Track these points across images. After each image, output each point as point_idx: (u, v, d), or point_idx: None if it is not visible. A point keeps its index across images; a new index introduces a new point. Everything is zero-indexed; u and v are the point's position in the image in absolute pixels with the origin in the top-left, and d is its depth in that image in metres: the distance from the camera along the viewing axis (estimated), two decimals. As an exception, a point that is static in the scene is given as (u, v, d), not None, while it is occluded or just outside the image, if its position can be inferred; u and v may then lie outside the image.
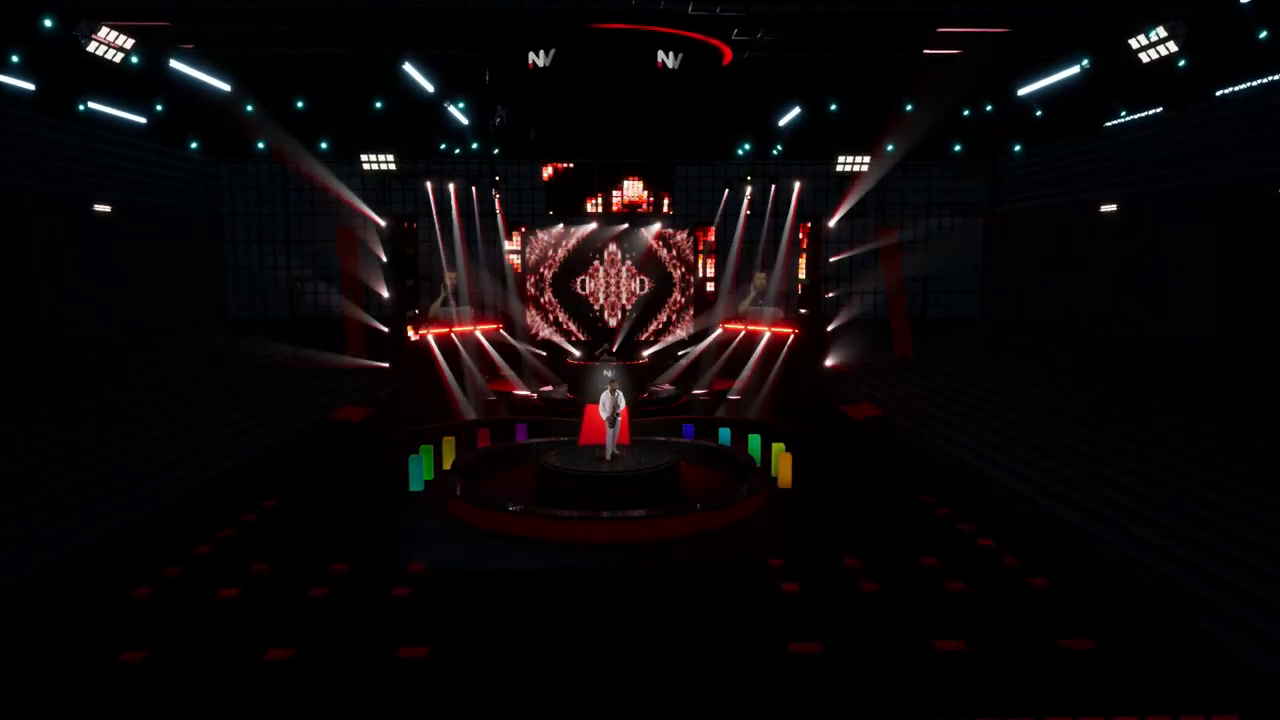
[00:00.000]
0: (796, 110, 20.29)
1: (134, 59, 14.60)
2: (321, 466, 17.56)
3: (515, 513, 13.74)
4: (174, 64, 15.98)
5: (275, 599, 10.53)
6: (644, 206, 24.62)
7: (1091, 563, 12.05)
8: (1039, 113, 19.57)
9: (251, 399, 19.99)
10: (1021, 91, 18.16)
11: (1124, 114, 20.09)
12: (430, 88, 17.80)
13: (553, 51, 12.62)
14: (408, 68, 16.43)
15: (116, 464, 14.24)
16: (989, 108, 19.65)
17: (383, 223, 25.71)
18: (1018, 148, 25.06)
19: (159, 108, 18.95)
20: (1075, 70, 16.20)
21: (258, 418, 19.05)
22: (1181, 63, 14.61)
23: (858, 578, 11.13)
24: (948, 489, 15.75)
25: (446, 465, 17.50)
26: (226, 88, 17.79)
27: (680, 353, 27.19)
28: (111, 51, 14.04)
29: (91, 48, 13.77)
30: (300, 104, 18.87)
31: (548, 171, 24.55)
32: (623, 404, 15.85)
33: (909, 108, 19.42)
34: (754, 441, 18.61)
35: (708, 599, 9.95)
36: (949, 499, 15.02)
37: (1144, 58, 14.45)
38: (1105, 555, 12.04)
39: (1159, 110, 20.09)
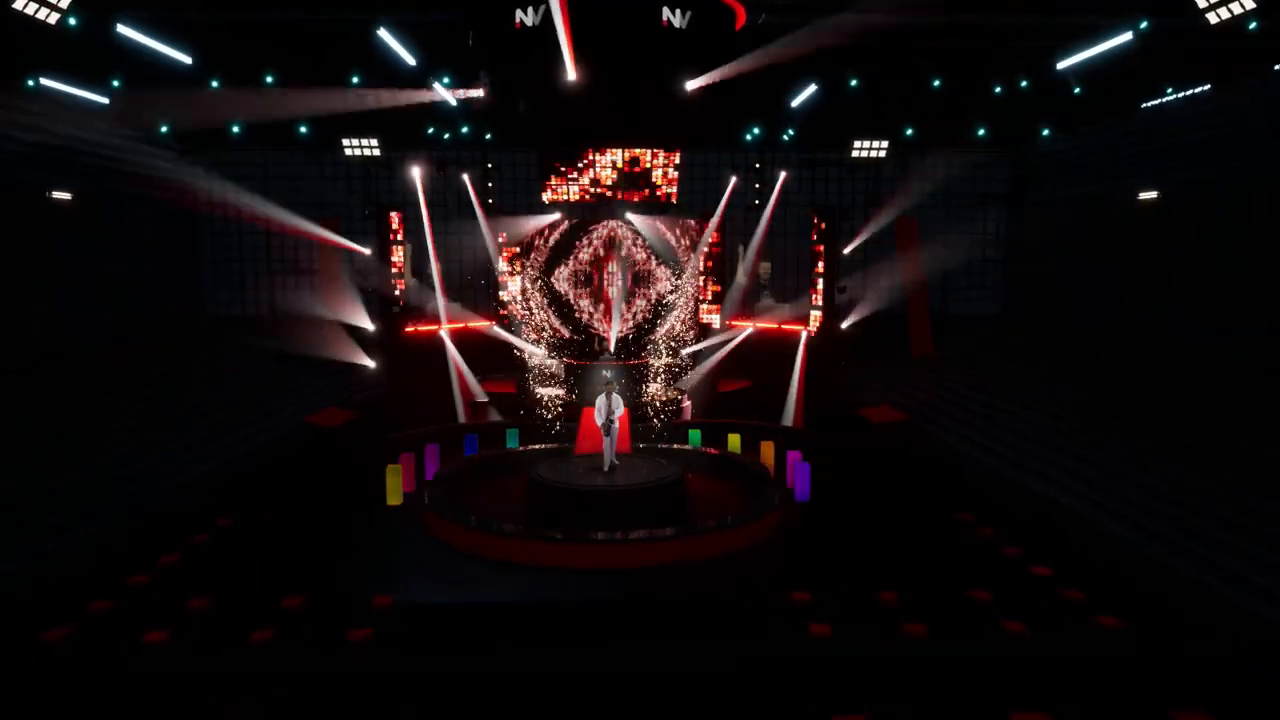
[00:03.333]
0: (812, 88, 18.61)
1: (72, 20, 12.95)
2: (291, 477, 15.91)
3: (498, 533, 12.09)
4: (124, 30, 14.31)
5: (211, 643, 8.92)
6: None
7: (1159, 590, 10.44)
8: (1077, 89, 17.88)
9: (224, 401, 18.38)
10: (1062, 64, 16.50)
11: (1170, 91, 18.42)
12: (411, 60, 16.18)
13: (542, 7, 10.99)
14: (384, 34, 14.80)
15: (60, 477, 12.60)
16: (1024, 83, 17.96)
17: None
18: (1045, 132, 23.39)
19: (115, 83, 17.28)
20: (1127, 37, 14.52)
21: (227, 423, 17.42)
22: (1252, 25, 12.95)
23: (898, 616, 9.50)
24: (986, 505, 14.11)
25: (429, 475, 15.87)
26: (188, 60, 16.17)
27: (684, 352, 25.52)
28: (44, 10, 12.40)
29: (19, 4, 12.12)
30: (270, 79, 17.21)
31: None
32: (621, 409, 14.20)
33: (936, 84, 17.74)
34: (766, 449, 16.99)
35: (726, 649, 8.32)
36: (989, 516, 13.38)
37: (1212, 18, 12.80)
38: (1174, 584, 10.42)
39: (1202, 89, 18.46)
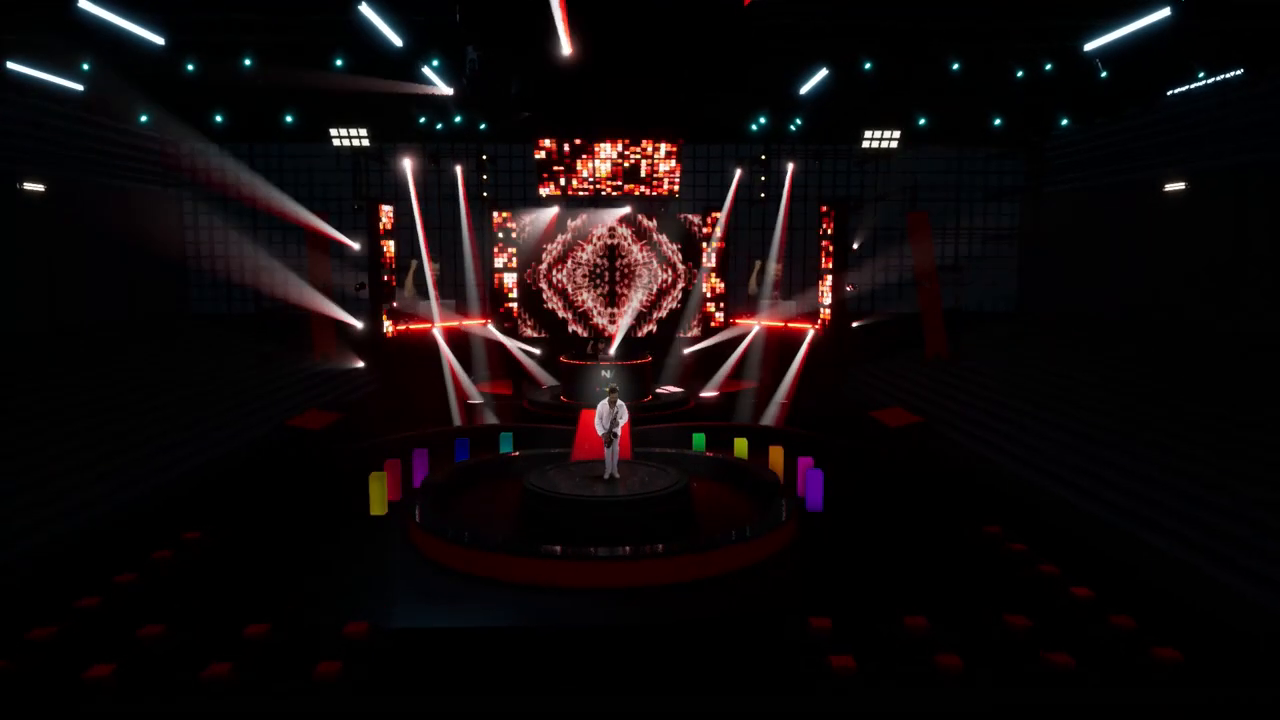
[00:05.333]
0: (824, 73, 17.58)
1: (25, -8, 12.00)
2: (266, 485, 14.91)
3: (488, 550, 11.10)
4: (85, 5, 13.30)
5: (158, 680, 7.96)
6: (646, 171, 21.78)
7: (1217, 612, 9.47)
8: (1104, 74, 16.87)
9: (199, 404, 17.40)
10: (1089, 45, 15.52)
11: (1201, 75, 17.44)
12: (398, 40, 15.19)
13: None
14: (365, 10, 13.81)
15: (9, 485, 11.65)
16: (1048, 66, 16.93)
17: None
18: (1064, 121, 22.41)
19: (85, 67, 16.29)
20: (1165, 13, 13.51)
21: (202, 426, 16.44)
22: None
23: (930, 646, 8.53)
24: (1014, 515, 13.13)
25: (417, 483, 14.88)
26: (160, 40, 15.19)
27: (686, 350, 24.59)
28: (-7, -19, 11.44)
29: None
30: (248, 61, 16.19)
31: (540, 154, 21.83)
32: (625, 417, 13.20)
33: (956, 67, 16.71)
34: (776, 454, 15.99)
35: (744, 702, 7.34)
36: (1019, 529, 12.39)
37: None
38: (1235, 607, 9.46)
39: (1234, 75, 17.49)
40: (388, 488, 14.16)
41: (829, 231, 23.53)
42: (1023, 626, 8.97)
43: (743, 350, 23.55)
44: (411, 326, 22.74)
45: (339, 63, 16.26)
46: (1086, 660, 8.20)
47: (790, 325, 23.38)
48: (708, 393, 22.43)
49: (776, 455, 15.92)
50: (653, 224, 23.90)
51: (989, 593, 10.14)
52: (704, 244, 24.41)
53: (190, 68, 16.27)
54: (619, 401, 13.09)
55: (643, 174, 21.80)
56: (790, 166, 23.50)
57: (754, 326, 23.93)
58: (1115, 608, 9.42)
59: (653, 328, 24.50)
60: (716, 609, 10.16)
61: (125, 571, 10.42)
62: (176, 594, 10.09)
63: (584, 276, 24.07)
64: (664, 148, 21.46)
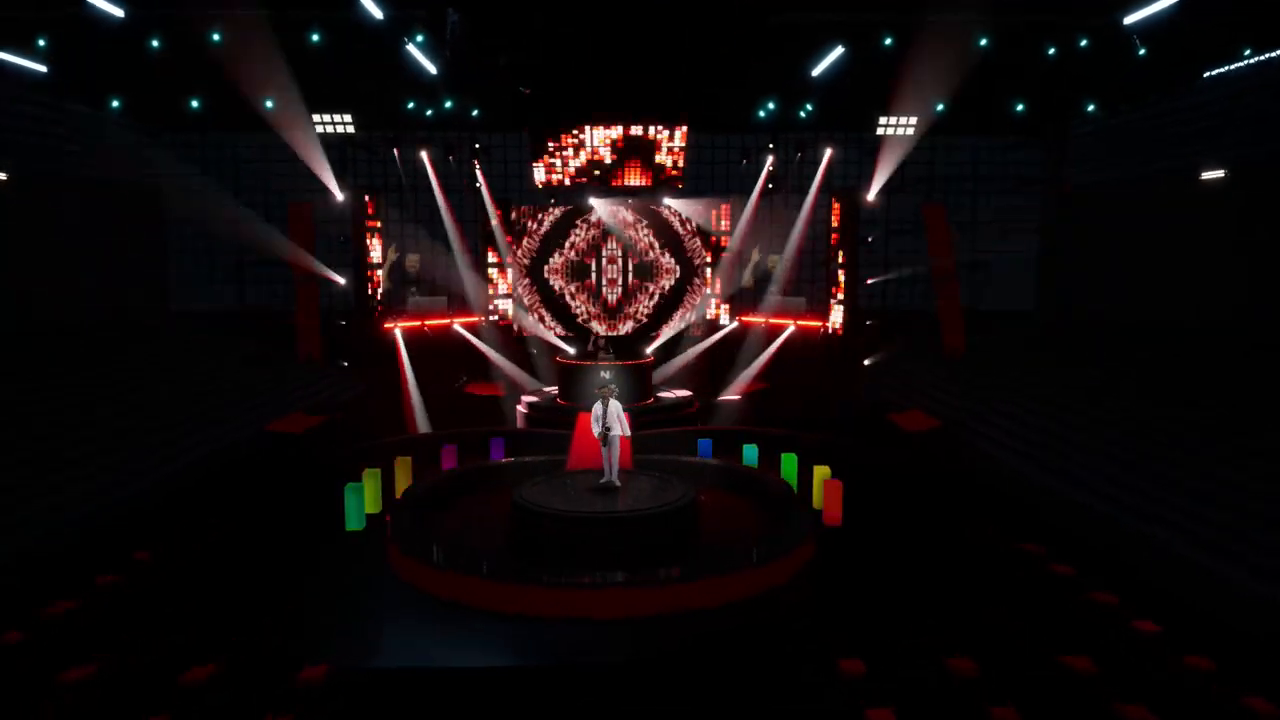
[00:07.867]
0: (839, 51, 16.35)
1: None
2: (238, 497, 13.69)
3: (471, 575, 9.90)
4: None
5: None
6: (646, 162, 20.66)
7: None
8: (1142, 51, 15.64)
9: (176, 407, 16.22)
10: (1130, 19, 14.32)
11: (1247, 53, 16.22)
12: (378, 13, 14.00)
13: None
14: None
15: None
16: (1083, 42, 15.67)
17: (340, 196, 21.93)
18: (1091, 107, 21.14)
19: (41, 42, 15.06)
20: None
21: (175, 431, 15.25)
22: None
23: (980, 696, 7.32)
24: (1053, 532, 11.93)
25: (399, 493, 13.68)
26: (120, 13, 14.01)
27: (690, 350, 23.40)
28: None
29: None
30: (216, 37, 14.93)
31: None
32: (623, 421, 11.98)
33: (983, 42, 15.48)
34: (789, 462, 14.81)
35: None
36: (1060, 547, 11.19)
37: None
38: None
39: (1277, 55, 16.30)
40: (367, 499, 13.02)
41: (840, 224, 22.35)
42: (1084, 668, 7.77)
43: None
44: (401, 324, 21.59)
45: (315, 38, 15.00)
46: (1166, 713, 7.00)
47: (799, 323, 22.23)
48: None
49: (790, 463, 14.78)
50: (654, 217, 22.73)
51: (1038, 625, 8.93)
52: (714, 237, 23.26)
53: (155, 44, 15.03)
54: (614, 401, 11.90)
55: (645, 161, 20.59)
56: (799, 155, 22.36)
57: (759, 325, 22.79)
58: (1187, 645, 8.21)
59: (656, 325, 23.29)
60: (723, 643, 8.99)
61: (62, 598, 9.21)
62: (117, 626, 8.87)
63: (582, 272, 22.91)
64: (668, 134, 20.27)
